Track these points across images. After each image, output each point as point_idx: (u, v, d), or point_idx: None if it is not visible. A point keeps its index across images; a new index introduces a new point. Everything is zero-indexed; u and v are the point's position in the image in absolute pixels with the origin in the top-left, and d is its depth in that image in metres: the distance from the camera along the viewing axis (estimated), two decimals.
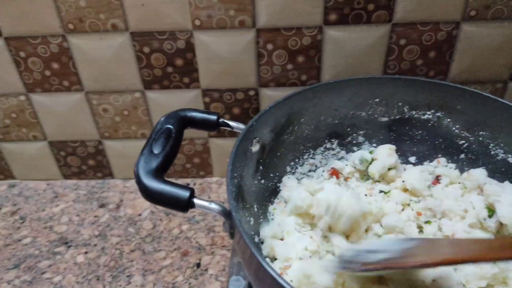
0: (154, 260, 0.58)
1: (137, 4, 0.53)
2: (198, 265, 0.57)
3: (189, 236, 0.61)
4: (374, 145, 0.50)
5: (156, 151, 0.36)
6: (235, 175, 0.37)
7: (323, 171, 0.49)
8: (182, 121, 0.40)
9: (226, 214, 0.33)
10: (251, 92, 0.59)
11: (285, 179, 0.46)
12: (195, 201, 0.34)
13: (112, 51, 0.56)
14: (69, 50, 0.57)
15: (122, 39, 0.55)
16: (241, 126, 0.41)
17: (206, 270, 0.56)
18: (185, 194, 0.33)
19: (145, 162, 0.35)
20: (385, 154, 0.47)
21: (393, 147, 0.47)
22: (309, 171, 0.50)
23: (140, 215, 0.64)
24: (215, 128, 0.42)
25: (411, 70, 0.55)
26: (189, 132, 0.63)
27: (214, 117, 0.41)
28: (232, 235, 0.34)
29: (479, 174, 0.45)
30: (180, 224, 0.62)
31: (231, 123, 0.42)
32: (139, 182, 0.34)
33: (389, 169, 0.47)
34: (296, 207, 0.41)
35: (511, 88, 0.57)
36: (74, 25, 0.55)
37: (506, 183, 0.43)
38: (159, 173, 0.35)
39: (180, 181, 0.69)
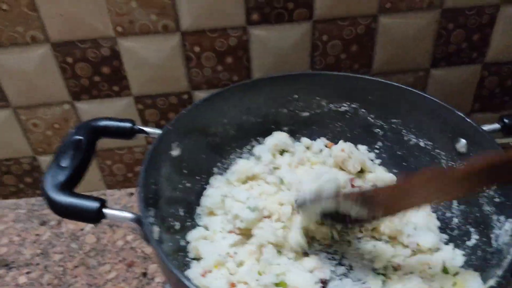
0: (99, 274, 0.57)
1: (55, 14, 0.51)
2: (145, 274, 0.56)
3: (134, 246, 0.60)
4: (298, 139, 0.51)
5: (64, 164, 0.35)
6: (151, 181, 0.37)
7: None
8: (94, 131, 0.39)
9: (139, 222, 0.33)
10: (185, 96, 0.59)
11: (212, 179, 0.47)
12: (106, 211, 0.34)
13: (34, 64, 0.54)
14: None
15: (42, 50, 0.53)
16: (158, 131, 0.41)
17: (153, 278, 0.56)
18: (94, 205, 0.33)
19: (51, 176, 0.34)
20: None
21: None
22: None
23: (82, 229, 0.63)
24: (130, 136, 0.41)
25: (336, 65, 0.57)
26: (127, 142, 0.62)
27: (128, 124, 0.41)
28: (148, 241, 0.34)
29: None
30: (125, 235, 0.61)
31: (147, 129, 0.42)
32: (46, 197, 0.33)
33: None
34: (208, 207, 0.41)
35: (433, 75, 0.60)
36: None
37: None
38: (67, 186, 0.34)
39: (123, 191, 0.67)
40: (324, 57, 0.56)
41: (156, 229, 0.34)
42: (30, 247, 0.61)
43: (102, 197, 0.35)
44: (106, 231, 0.62)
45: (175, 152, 0.42)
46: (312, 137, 0.50)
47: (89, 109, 0.59)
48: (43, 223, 0.64)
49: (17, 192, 0.67)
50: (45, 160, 0.64)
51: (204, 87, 0.58)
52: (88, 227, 0.63)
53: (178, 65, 0.56)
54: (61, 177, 0.34)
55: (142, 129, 0.41)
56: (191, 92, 0.59)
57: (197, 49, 0.55)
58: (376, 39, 0.55)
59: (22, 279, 0.57)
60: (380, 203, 0.36)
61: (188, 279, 0.29)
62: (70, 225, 0.63)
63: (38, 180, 0.66)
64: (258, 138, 0.50)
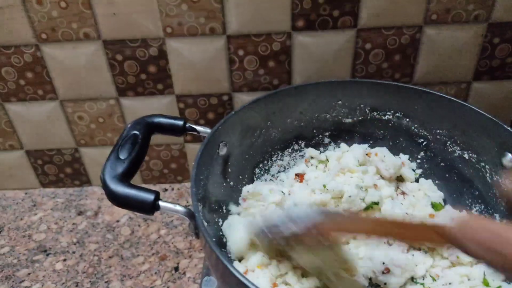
0: (132, 265, 0.58)
1: (108, 13, 0.53)
2: (176, 268, 0.57)
3: (167, 240, 0.61)
4: (339, 145, 0.52)
5: (122, 157, 0.37)
6: (201, 177, 0.38)
7: (287, 177, 0.50)
8: (148, 127, 0.41)
9: (191, 216, 0.34)
10: (225, 97, 0.60)
11: (244, 190, 0.47)
12: (160, 203, 0.35)
13: (85, 60, 0.57)
14: (43, 59, 0.57)
15: (94, 47, 0.56)
16: (208, 130, 0.43)
17: (184, 273, 0.57)
18: (150, 197, 0.34)
19: (111, 168, 0.36)
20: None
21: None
22: (278, 172, 0.52)
23: (118, 221, 0.65)
24: (181, 133, 0.43)
25: (378, 73, 0.57)
26: (165, 138, 0.64)
27: (180, 122, 0.42)
28: (197, 236, 0.35)
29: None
30: (158, 229, 0.63)
31: (198, 127, 0.43)
32: (105, 187, 0.35)
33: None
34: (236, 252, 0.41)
35: (475, 88, 0.60)
36: (47, 34, 0.55)
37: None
38: (125, 178, 0.36)
39: (158, 187, 0.69)
40: (366, 66, 0.57)
41: (205, 225, 0.35)
42: (67, 235, 0.63)
43: None
44: (141, 224, 0.64)
45: (222, 151, 0.43)
46: (354, 144, 0.51)
47: (132, 105, 0.61)
48: (80, 213, 0.66)
49: (57, 181, 0.69)
50: (86, 152, 0.66)
51: (245, 90, 0.60)
52: (124, 218, 0.65)
53: (221, 67, 0.57)
54: (119, 168, 0.36)
55: (194, 128, 0.43)
56: (232, 94, 0.60)
57: (241, 52, 0.56)
58: (420, 49, 0.56)
59: (59, 266, 0.59)
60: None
61: (238, 271, 0.30)
62: (106, 216, 0.65)
63: (78, 171, 0.68)
64: (300, 142, 0.51)
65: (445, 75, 0.58)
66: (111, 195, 0.34)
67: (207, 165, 0.40)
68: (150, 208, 0.34)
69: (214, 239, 0.40)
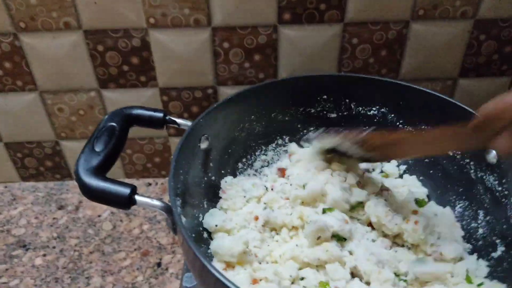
0: (114, 261, 0.57)
1: (89, 2, 0.52)
2: (159, 264, 0.57)
3: (150, 235, 0.60)
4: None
5: (97, 149, 0.35)
6: (180, 171, 0.37)
7: (270, 172, 0.50)
8: (127, 119, 0.40)
9: (168, 211, 0.34)
10: (209, 91, 0.59)
11: (222, 182, 0.46)
12: (137, 197, 0.34)
13: (65, 50, 0.55)
14: (22, 49, 0.55)
15: (75, 37, 0.54)
16: (188, 123, 0.42)
17: (167, 269, 0.56)
18: (126, 191, 0.33)
19: (85, 160, 0.34)
20: None
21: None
22: (262, 166, 0.51)
23: (99, 216, 0.63)
24: (161, 126, 0.42)
25: (364, 68, 0.57)
26: (148, 132, 0.63)
27: (160, 114, 0.41)
28: (174, 231, 0.34)
29: None
30: (141, 224, 0.62)
31: (178, 120, 0.42)
32: (79, 180, 0.34)
33: None
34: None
35: (461, 85, 0.59)
36: (26, 23, 0.53)
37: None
38: (100, 171, 0.34)
39: (141, 181, 0.68)
40: (352, 60, 0.56)
41: (183, 219, 0.34)
42: (47, 229, 0.62)
43: None
44: (123, 219, 0.63)
45: (204, 145, 0.42)
46: None
47: (114, 97, 0.60)
48: (60, 207, 0.65)
49: (37, 174, 0.68)
50: (67, 145, 0.65)
51: (230, 83, 0.59)
52: (106, 213, 0.64)
53: (206, 60, 0.56)
54: (94, 161, 0.34)
55: (174, 120, 0.42)
56: (217, 87, 0.59)
57: (226, 45, 0.55)
58: (406, 45, 0.55)
59: (38, 261, 0.58)
60: (374, 146, 0.42)
61: (216, 269, 0.29)
62: (88, 211, 0.64)
63: (58, 164, 0.66)
64: (284, 136, 0.51)
65: (432, 71, 0.58)
66: (85, 189, 0.33)
67: (187, 159, 0.39)
68: (126, 202, 0.33)
69: (193, 235, 0.39)
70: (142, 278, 0.55)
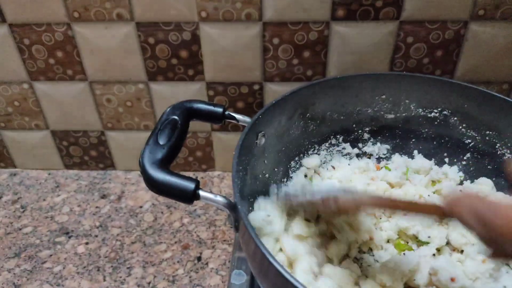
0: (155, 253, 0.58)
1: None
2: (199, 258, 0.57)
3: (190, 229, 0.61)
4: (379, 141, 0.50)
5: (161, 142, 0.35)
6: (240, 168, 0.37)
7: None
8: (188, 112, 0.39)
9: (231, 207, 0.33)
10: (256, 87, 0.59)
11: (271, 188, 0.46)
12: (201, 193, 0.34)
13: (117, 41, 0.56)
14: (74, 38, 0.56)
15: (127, 29, 0.55)
16: (247, 119, 0.41)
17: (207, 263, 0.56)
18: (191, 185, 0.33)
19: (150, 152, 0.34)
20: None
21: None
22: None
23: (141, 207, 0.64)
24: (220, 120, 0.41)
25: (418, 69, 0.55)
26: (192, 125, 0.63)
27: (220, 109, 0.41)
28: (237, 229, 0.34)
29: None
30: (181, 217, 0.62)
31: (237, 116, 0.42)
32: (144, 172, 0.34)
33: None
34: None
35: None
36: (80, 13, 0.54)
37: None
38: (164, 164, 0.34)
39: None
40: (406, 60, 0.55)
41: (248, 218, 0.34)
42: (90, 218, 0.63)
43: None
44: (164, 211, 0.63)
45: (260, 142, 0.42)
46: (395, 141, 0.49)
47: (162, 90, 0.60)
48: (103, 196, 0.66)
49: (81, 163, 0.69)
50: (112, 135, 0.65)
51: (277, 80, 0.58)
52: (147, 205, 0.64)
53: (254, 55, 0.56)
54: (159, 154, 0.34)
55: (233, 116, 0.41)
56: (263, 83, 0.58)
57: (276, 40, 0.55)
58: (463, 46, 0.53)
59: (81, 249, 0.59)
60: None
61: (283, 266, 0.28)
62: (130, 201, 0.65)
63: (102, 154, 0.67)
64: (338, 136, 0.50)
65: (488, 74, 0.56)
66: (151, 181, 0.33)
67: (245, 156, 0.39)
68: (190, 196, 0.33)
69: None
70: (183, 271, 0.55)
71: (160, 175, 0.33)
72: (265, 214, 0.41)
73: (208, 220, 0.62)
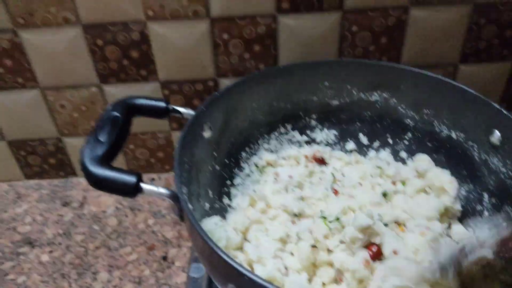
0: (120, 256, 0.57)
1: None
2: (165, 258, 0.57)
3: (155, 230, 0.61)
4: (326, 128, 0.51)
5: (102, 139, 0.35)
6: (185, 160, 0.37)
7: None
8: (129, 109, 0.40)
9: (174, 198, 0.34)
10: (210, 83, 0.59)
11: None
12: (143, 185, 0.34)
13: (65, 45, 0.55)
14: (21, 45, 0.55)
15: (74, 32, 0.54)
16: (191, 112, 0.42)
17: (173, 262, 0.56)
18: (132, 179, 0.33)
19: (90, 149, 0.35)
20: None
21: None
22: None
23: (104, 212, 0.64)
24: (164, 115, 0.42)
25: (365, 56, 0.56)
26: (151, 126, 0.63)
27: (162, 104, 0.41)
28: (182, 218, 0.34)
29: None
30: (146, 218, 0.62)
31: (181, 109, 0.42)
32: (85, 169, 0.34)
33: None
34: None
35: (462, 71, 0.59)
36: (25, 19, 0.53)
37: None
38: (105, 160, 0.34)
39: (145, 176, 0.68)
40: (353, 49, 0.56)
41: (189, 206, 0.34)
42: (53, 226, 0.62)
43: None
44: (128, 214, 0.63)
45: (207, 134, 0.42)
46: (341, 125, 0.50)
47: (116, 92, 0.60)
48: (65, 204, 0.65)
49: (41, 172, 0.68)
50: (70, 142, 0.65)
51: (230, 75, 0.58)
52: (110, 209, 0.64)
53: (205, 52, 0.56)
54: (99, 150, 0.34)
55: (176, 109, 0.42)
56: (217, 79, 0.59)
57: (225, 36, 0.55)
58: (406, 31, 0.55)
59: (45, 257, 0.58)
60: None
61: (223, 252, 0.29)
62: (93, 207, 0.64)
63: (62, 162, 0.67)
64: (286, 125, 0.51)
65: (432, 58, 0.58)
66: (92, 178, 0.33)
67: (191, 148, 0.39)
68: (132, 190, 0.33)
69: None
70: (149, 272, 0.55)
71: (100, 171, 0.33)
72: (218, 219, 0.41)
73: (173, 219, 0.62)
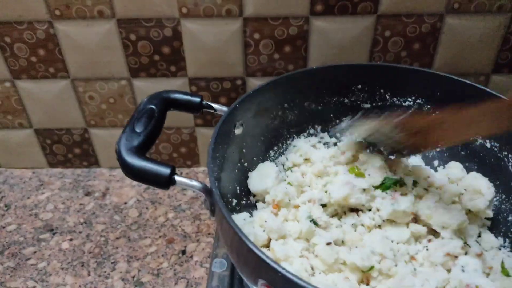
0: (139, 247, 0.58)
1: None
2: (184, 252, 0.57)
3: (175, 224, 0.61)
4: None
5: (138, 130, 0.36)
6: (217, 155, 0.37)
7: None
8: (165, 102, 0.40)
9: (207, 191, 0.34)
10: (238, 82, 0.59)
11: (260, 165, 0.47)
12: (176, 178, 0.34)
13: (98, 38, 0.56)
14: (56, 36, 0.56)
15: (108, 26, 0.55)
16: (224, 108, 0.42)
17: (191, 257, 0.56)
18: (166, 170, 0.34)
19: (126, 140, 0.35)
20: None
21: None
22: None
23: (126, 203, 0.64)
24: (198, 110, 0.42)
25: (396, 62, 0.56)
26: (176, 121, 0.64)
27: (197, 99, 0.41)
28: (213, 212, 0.35)
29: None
30: (166, 212, 0.63)
31: (215, 105, 0.42)
32: (120, 159, 0.34)
33: None
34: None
35: (494, 81, 0.58)
36: (61, 11, 0.54)
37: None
38: (141, 151, 0.35)
39: None
40: (384, 53, 0.56)
41: (222, 201, 0.34)
42: (74, 215, 0.63)
43: None
44: (149, 207, 0.63)
45: (238, 131, 0.43)
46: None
47: (144, 87, 0.60)
48: (87, 194, 0.66)
49: (65, 161, 0.69)
50: (95, 133, 0.66)
51: (259, 75, 0.59)
52: (132, 201, 0.65)
53: (236, 51, 0.56)
54: (135, 141, 0.35)
55: (210, 105, 0.42)
56: (245, 78, 0.59)
57: (256, 36, 0.55)
58: (440, 39, 0.54)
59: (65, 245, 0.59)
60: (416, 129, 0.39)
61: (258, 248, 0.29)
62: (114, 198, 0.65)
63: (86, 152, 0.68)
64: (316, 126, 0.51)
65: (464, 66, 0.57)
66: (126, 167, 0.34)
67: (223, 144, 0.40)
68: (166, 181, 0.34)
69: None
70: (167, 265, 0.55)
71: (136, 161, 0.34)
72: (247, 215, 0.42)
73: (193, 214, 0.62)
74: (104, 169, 0.70)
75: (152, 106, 0.38)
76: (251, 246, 0.29)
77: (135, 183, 0.67)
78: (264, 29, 0.55)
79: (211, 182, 0.33)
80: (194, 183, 0.34)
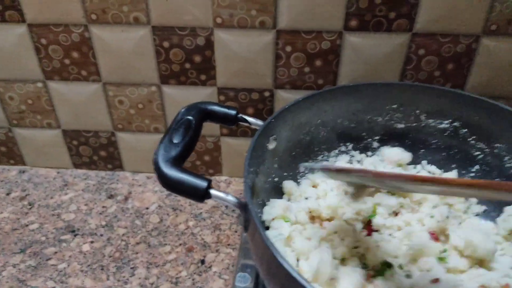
0: (159, 254, 0.58)
1: None
2: (203, 261, 0.57)
3: (195, 232, 0.61)
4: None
5: (175, 140, 0.36)
6: (251, 169, 0.37)
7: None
8: (202, 113, 0.40)
9: (242, 207, 0.34)
10: (266, 93, 0.59)
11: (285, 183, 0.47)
12: (212, 191, 0.34)
13: (132, 44, 0.57)
14: (90, 40, 0.57)
15: (143, 32, 0.56)
16: (259, 122, 0.42)
17: (210, 267, 0.56)
18: (203, 184, 0.34)
19: (164, 150, 0.35)
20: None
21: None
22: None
23: (147, 208, 0.64)
24: (233, 123, 0.42)
25: (428, 81, 0.55)
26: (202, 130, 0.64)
27: (233, 112, 0.41)
28: (246, 228, 0.34)
29: None
30: (187, 220, 0.62)
31: (250, 119, 0.42)
32: (158, 169, 0.34)
33: None
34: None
35: None
36: (97, 15, 0.55)
37: None
38: (178, 162, 0.35)
39: None
40: (417, 72, 0.55)
41: (258, 218, 0.34)
42: (96, 217, 0.63)
43: None
44: (170, 213, 0.63)
45: (271, 145, 0.42)
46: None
47: (173, 94, 0.61)
48: (110, 196, 0.66)
49: (90, 163, 0.70)
50: (122, 137, 0.66)
51: (288, 87, 0.59)
52: (153, 206, 0.65)
53: (266, 62, 0.57)
54: (173, 152, 0.35)
55: (245, 119, 0.42)
56: (274, 90, 0.59)
57: (288, 48, 0.55)
58: (475, 60, 0.54)
59: (86, 247, 0.59)
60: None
61: (294, 269, 0.28)
62: (136, 202, 0.65)
63: (111, 155, 0.68)
64: (348, 144, 0.50)
65: (498, 89, 0.56)
66: (164, 179, 0.34)
67: (257, 158, 0.39)
68: (202, 195, 0.34)
69: None
70: (186, 274, 0.55)
71: (173, 173, 0.34)
72: (278, 232, 0.41)
73: (213, 223, 0.62)
74: (128, 172, 0.70)
75: (190, 117, 0.38)
76: (288, 268, 0.28)
77: (157, 188, 0.68)
78: (296, 42, 0.55)
79: (247, 197, 0.33)
80: (230, 198, 0.34)
